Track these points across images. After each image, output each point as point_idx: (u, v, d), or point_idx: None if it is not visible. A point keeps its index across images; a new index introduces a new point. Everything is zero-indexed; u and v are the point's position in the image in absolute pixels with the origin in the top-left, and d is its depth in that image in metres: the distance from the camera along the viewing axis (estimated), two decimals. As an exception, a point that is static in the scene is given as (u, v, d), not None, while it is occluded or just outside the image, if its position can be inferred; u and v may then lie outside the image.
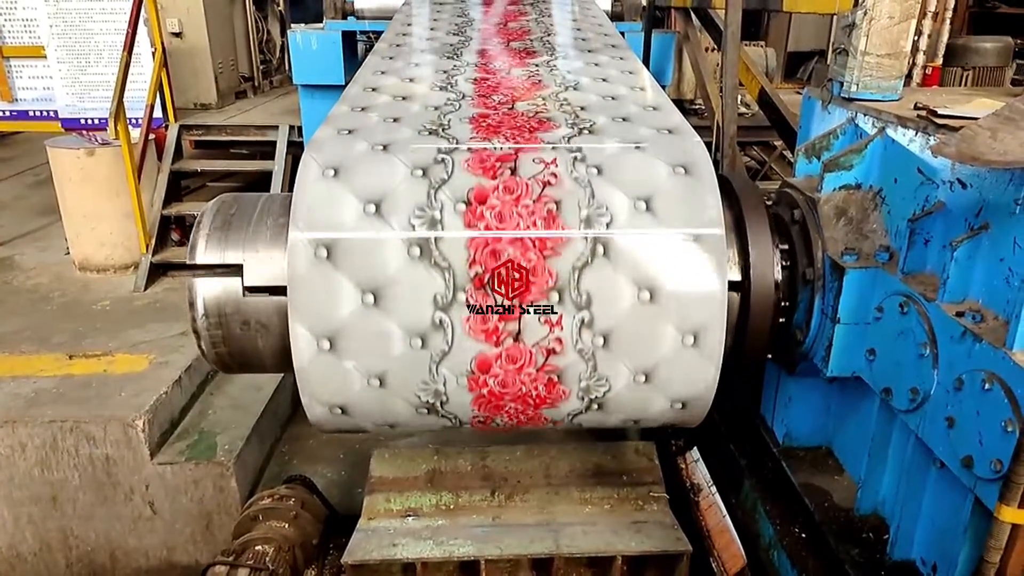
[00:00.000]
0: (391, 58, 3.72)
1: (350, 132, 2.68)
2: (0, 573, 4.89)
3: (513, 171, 2.47)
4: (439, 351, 2.47)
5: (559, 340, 2.46)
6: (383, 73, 3.42)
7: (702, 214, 2.47)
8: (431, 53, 3.85)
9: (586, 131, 2.66)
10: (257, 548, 3.77)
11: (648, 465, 3.89)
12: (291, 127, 7.46)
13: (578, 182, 2.46)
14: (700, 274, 2.45)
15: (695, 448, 3.88)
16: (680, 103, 8.40)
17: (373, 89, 3.17)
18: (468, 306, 2.42)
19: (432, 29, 4.43)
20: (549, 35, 4.24)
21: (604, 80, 3.30)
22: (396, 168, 2.49)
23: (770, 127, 5.67)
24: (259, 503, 4.02)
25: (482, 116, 2.82)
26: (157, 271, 6.73)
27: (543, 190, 2.45)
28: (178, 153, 7.50)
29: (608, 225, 2.42)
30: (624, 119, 2.78)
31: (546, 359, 2.50)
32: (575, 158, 2.51)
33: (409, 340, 2.46)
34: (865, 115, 3.01)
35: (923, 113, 2.75)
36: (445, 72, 3.43)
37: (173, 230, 7.14)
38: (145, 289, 6.52)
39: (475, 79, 3.33)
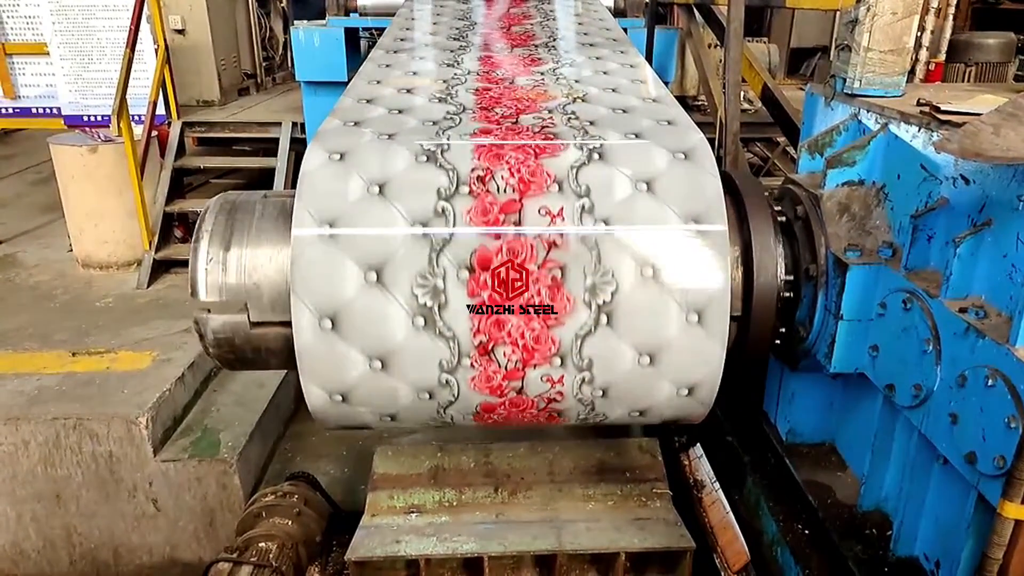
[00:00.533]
0: (387, 65, 3.55)
1: (342, 158, 2.51)
2: (3, 570, 4.90)
3: (517, 224, 2.40)
4: (446, 401, 2.58)
5: (560, 393, 2.55)
6: (378, 83, 3.25)
7: (710, 279, 2.46)
8: (430, 61, 3.68)
9: (596, 155, 2.52)
10: (260, 545, 3.78)
11: (651, 462, 3.89)
12: (294, 124, 7.46)
13: (584, 242, 2.41)
14: (701, 346, 2.50)
15: (698, 445, 3.88)
16: (683, 99, 8.39)
17: (368, 101, 3.01)
18: (473, 368, 2.48)
19: (432, 34, 4.29)
20: (554, 40, 4.10)
21: (614, 91, 3.15)
22: (396, 225, 2.40)
23: (773, 123, 5.64)
24: (262, 500, 4.03)
25: (484, 132, 2.66)
26: (160, 268, 6.74)
27: (548, 253, 2.40)
28: (181, 150, 7.50)
29: (613, 295, 2.42)
30: (636, 135, 2.63)
31: (547, 405, 2.60)
32: (583, 207, 2.42)
33: (417, 394, 2.55)
34: (868, 111, 3.01)
35: (926, 109, 2.74)
36: (445, 82, 3.25)
37: (176, 227, 7.15)
38: (148, 286, 6.54)
39: (476, 89, 3.16)
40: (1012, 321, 2.14)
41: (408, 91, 3.12)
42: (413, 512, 3.68)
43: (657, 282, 2.42)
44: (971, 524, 2.34)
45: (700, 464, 3.80)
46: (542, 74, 3.39)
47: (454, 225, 2.39)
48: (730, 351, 2.64)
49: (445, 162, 2.47)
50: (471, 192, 2.42)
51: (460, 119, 2.75)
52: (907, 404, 2.54)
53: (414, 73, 3.43)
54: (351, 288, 2.40)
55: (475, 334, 2.43)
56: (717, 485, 3.62)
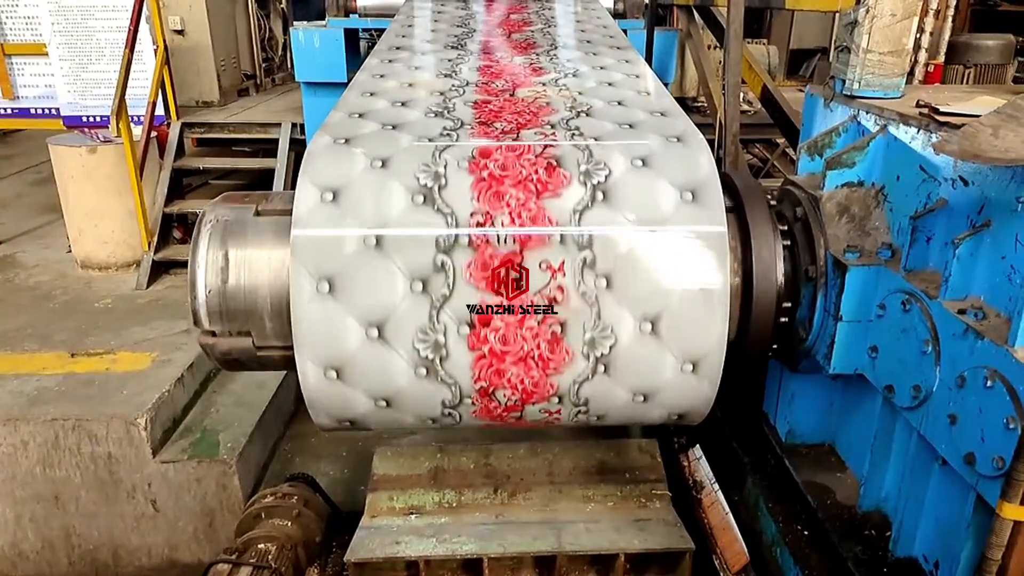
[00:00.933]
0: (382, 76, 3.37)
1: (335, 198, 2.42)
2: (2, 572, 4.89)
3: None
4: (448, 424, 2.67)
5: (557, 419, 2.65)
6: (372, 95, 3.08)
7: (708, 336, 2.48)
8: (427, 71, 3.51)
9: (600, 194, 2.42)
10: (260, 546, 3.78)
11: (651, 463, 3.89)
12: (293, 124, 7.45)
13: (585, 299, 2.40)
14: (694, 387, 2.57)
15: (698, 446, 3.88)
16: (683, 101, 8.40)
17: (360, 115, 2.84)
18: (474, 405, 2.56)
19: (429, 42, 4.13)
20: (556, 48, 3.97)
21: (620, 103, 2.99)
22: (395, 281, 2.38)
23: (772, 125, 5.65)
24: (262, 501, 4.03)
25: (483, 153, 2.51)
26: (159, 269, 6.74)
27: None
28: (180, 151, 7.49)
29: (612, 348, 2.45)
30: (643, 162, 2.50)
31: (544, 425, 2.72)
32: (584, 260, 2.38)
33: (421, 421, 2.66)
34: (867, 113, 3.01)
35: (925, 111, 2.75)
36: (442, 94, 3.08)
37: (175, 228, 7.14)
38: (147, 287, 6.53)
39: (475, 102, 2.98)
40: (1011, 322, 2.15)
41: (403, 104, 2.97)
42: (413, 513, 3.68)
43: (656, 336, 2.45)
44: (970, 525, 2.34)
45: (699, 465, 3.80)
46: (544, 85, 3.26)
47: (454, 281, 2.37)
48: (728, 356, 2.66)
49: (443, 204, 2.40)
50: (471, 243, 2.37)
51: (457, 135, 2.63)
52: (906, 405, 2.54)
53: (409, 85, 3.25)
54: (353, 343, 2.43)
55: (476, 380, 2.49)
56: (716, 486, 3.62)
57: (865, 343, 2.75)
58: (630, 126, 2.74)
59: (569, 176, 2.45)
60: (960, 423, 2.28)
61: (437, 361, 2.45)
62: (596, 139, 2.59)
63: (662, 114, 2.87)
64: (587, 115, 2.84)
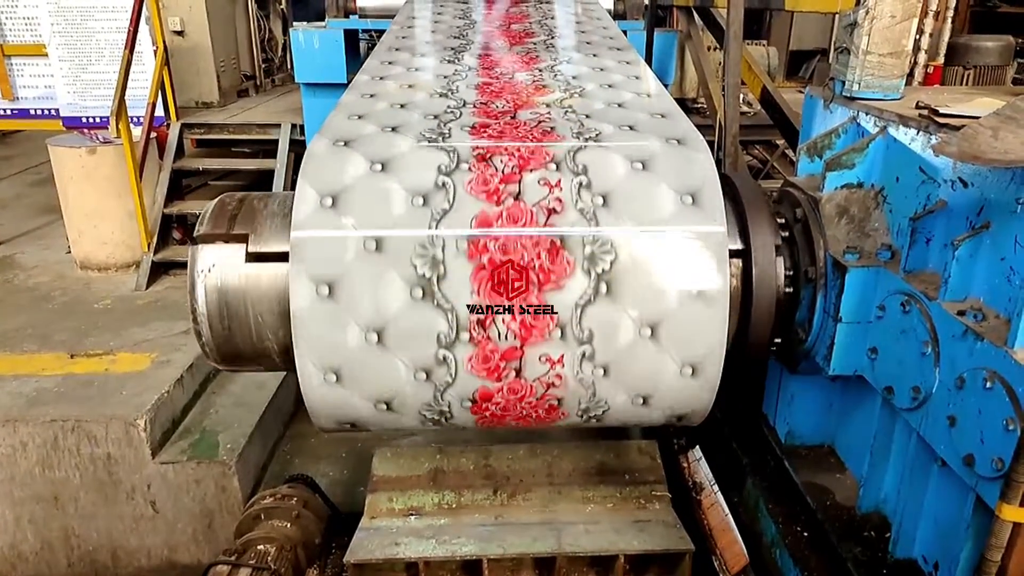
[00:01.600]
0: (372, 96, 3.10)
1: (331, 293, 2.36)
2: (2, 573, 4.89)
3: (518, 371, 2.43)
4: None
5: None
6: (360, 118, 2.82)
7: (693, 407, 2.61)
8: (421, 91, 3.19)
9: (604, 286, 2.35)
10: (259, 547, 3.78)
11: (650, 464, 3.89)
12: (293, 125, 7.45)
13: (582, 383, 2.47)
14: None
15: (697, 447, 3.88)
16: (682, 102, 8.41)
17: (345, 143, 2.58)
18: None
19: (424, 56, 3.89)
20: (560, 63, 3.68)
21: (631, 128, 2.72)
22: (398, 372, 2.44)
23: (772, 126, 5.66)
24: (261, 502, 4.03)
25: (483, 222, 2.37)
26: (159, 270, 6.74)
27: (547, 391, 2.49)
28: (180, 152, 7.49)
29: (604, 412, 2.60)
30: (655, 228, 2.40)
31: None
32: (584, 354, 2.41)
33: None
34: (867, 114, 3.01)
35: (925, 112, 2.75)
36: (436, 117, 2.80)
37: (175, 229, 7.14)
38: (147, 288, 6.53)
39: (473, 126, 2.72)
40: (1010, 324, 2.15)
41: (393, 130, 2.69)
42: (412, 514, 3.68)
43: (647, 406, 2.57)
44: (969, 526, 2.34)
45: (699, 466, 3.80)
46: (548, 106, 2.98)
47: (456, 371, 2.44)
48: (730, 350, 2.69)
49: (443, 299, 2.36)
50: (471, 340, 2.38)
51: (455, 186, 2.42)
52: (906, 406, 2.54)
53: (402, 106, 2.96)
54: (363, 412, 2.57)
55: (478, 425, 2.65)
56: (716, 487, 3.62)
57: (865, 344, 2.75)
58: (642, 165, 2.50)
59: (573, 263, 2.36)
60: (959, 424, 2.28)
61: (443, 420, 2.60)
62: (604, 197, 2.41)
63: (679, 142, 2.61)
64: (595, 141, 2.59)
